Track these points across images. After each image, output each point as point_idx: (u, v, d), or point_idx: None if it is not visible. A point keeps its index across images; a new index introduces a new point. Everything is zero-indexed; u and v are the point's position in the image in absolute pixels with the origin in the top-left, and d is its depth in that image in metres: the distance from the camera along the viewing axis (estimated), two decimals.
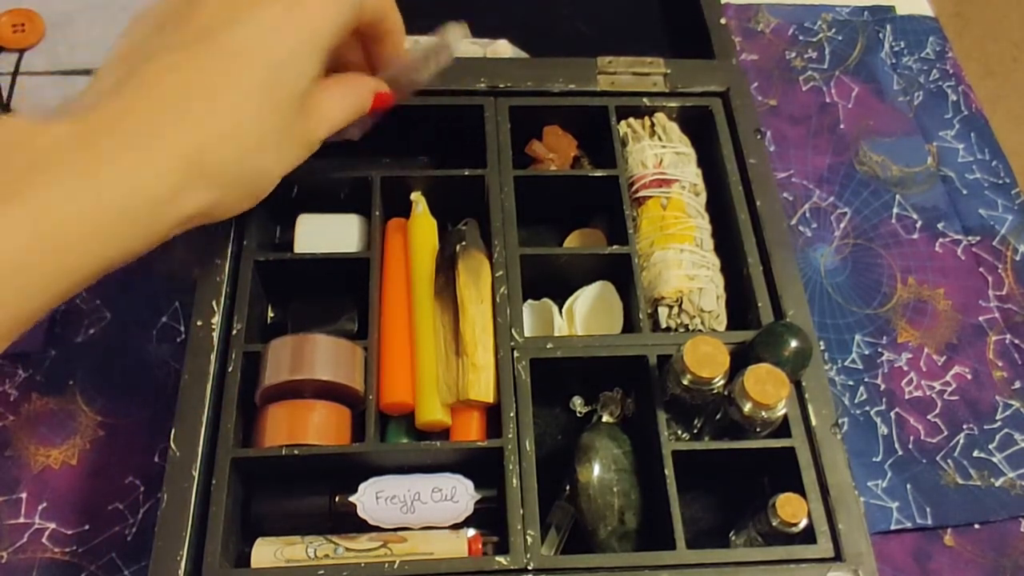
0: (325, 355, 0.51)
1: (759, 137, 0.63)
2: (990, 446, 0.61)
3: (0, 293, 0.31)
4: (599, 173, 0.62)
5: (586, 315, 0.60)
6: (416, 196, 0.61)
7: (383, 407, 0.53)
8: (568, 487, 0.53)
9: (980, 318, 0.67)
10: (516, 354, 0.53)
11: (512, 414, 0.51)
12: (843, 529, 0.49)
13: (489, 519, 0.51)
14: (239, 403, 0.51)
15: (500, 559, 0.47)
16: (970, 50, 1.76)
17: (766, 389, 0.49)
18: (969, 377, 0.64)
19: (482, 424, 0.54)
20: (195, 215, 0.40)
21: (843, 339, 0.65)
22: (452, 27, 0.50)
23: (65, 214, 0.33)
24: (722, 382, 0.50)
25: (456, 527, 0.51)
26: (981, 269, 0.70)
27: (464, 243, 0.57)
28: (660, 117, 0.65)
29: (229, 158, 0.40)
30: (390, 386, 0.53)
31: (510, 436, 0.50)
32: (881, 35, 0.83)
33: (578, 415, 0.59)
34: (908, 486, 0.59)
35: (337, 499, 0.50)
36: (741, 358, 0.52)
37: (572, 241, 0.64)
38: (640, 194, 0.61)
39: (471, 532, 0.50)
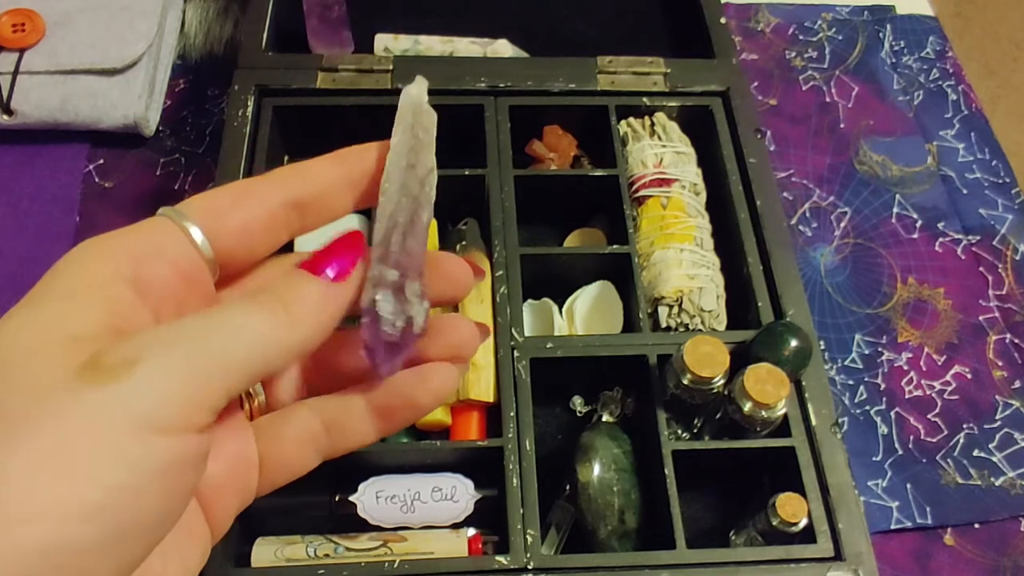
0: None
1: (759, 137, 0.63)
2: (990, 445, 0.61)
3: None
4: (599, 173, 0.62)
5: (586, 315, 0.60)
6: None
7: None
8: (568, 487, 0.53)
9: (980, 318, 0.67)
10: (516, 354, 0.53)
11: (512, 414, 0.51)
12: (843, 529, 0.49)
13: (489, 519, 0.51)
14: None
15: (500, 559, 0.47)
16: (970, 50, 1.76)
17: (766, 389, 0.49)
18: (969, 377, 0.64)
19: (482, 424, 0.54)
20: None
21: (843, 339, 0.65)
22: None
23: None
24: (722, 382, 0.50)
25: (456, 527, 0.51)
26: (981, 269, 0.70)
27: (464, 243, 0.57)
28: (660, 117, 0.65)
29: None
30: None
31: (510, 436, 0.50)
32: (881, 35, 0.83)
33: (578, 415, 0.59)
34: (908, 486, 0.59)
35: (337, 498, 0.50)
36: (741, 358, 0.52)
37: (572, 241, 0.64)
38: (640, 194, 0.61)
39: (471, 532, 0.50)
